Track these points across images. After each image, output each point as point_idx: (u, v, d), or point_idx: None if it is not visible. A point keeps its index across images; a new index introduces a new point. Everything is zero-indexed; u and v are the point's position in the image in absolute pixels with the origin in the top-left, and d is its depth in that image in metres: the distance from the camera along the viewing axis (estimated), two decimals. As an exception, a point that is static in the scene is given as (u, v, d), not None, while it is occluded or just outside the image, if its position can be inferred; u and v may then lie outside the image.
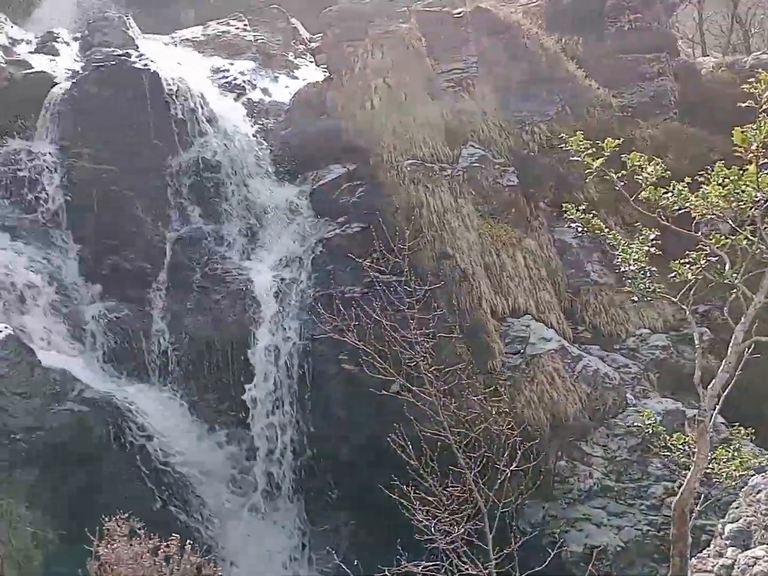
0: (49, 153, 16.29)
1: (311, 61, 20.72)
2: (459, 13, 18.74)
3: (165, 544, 7.09)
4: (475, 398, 7.90)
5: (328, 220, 16.23)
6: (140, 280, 15.54)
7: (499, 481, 6.97)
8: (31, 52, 18.51)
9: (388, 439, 7.29)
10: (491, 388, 8.38)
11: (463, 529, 6.75)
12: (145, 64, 17.01)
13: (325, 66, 19.20)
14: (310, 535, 14.05)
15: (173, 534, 8.06)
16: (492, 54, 18.74)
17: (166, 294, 15.45)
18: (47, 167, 16.18)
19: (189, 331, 15.00)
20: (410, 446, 7.02)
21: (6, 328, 12.12)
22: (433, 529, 6.73)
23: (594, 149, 7.40)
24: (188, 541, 7.41)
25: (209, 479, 13.62)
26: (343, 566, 7.27)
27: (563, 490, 13.80)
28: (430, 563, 6.87)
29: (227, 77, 18.67)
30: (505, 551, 6.99)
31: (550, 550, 7.81)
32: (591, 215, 7.65)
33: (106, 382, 13.86)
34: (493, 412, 7.31)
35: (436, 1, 19.26)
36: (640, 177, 7.18)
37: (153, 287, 15.50)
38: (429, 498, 6.89)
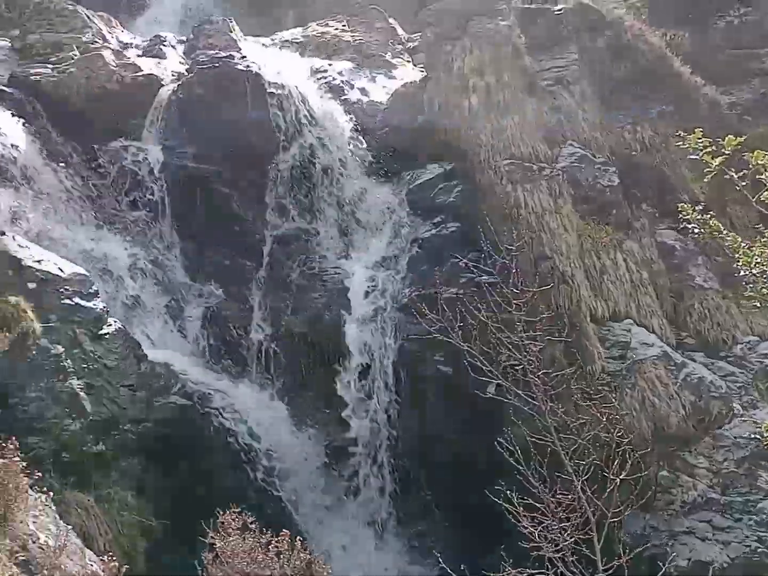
0: (155, 152, 16.80)
1: (409, 61, 20.71)
2: (559, 10, 18.42)
3: (276, 539, 7.19)
4: (584, 404, 7.69)
5: (424, 219, 16.22)
6: (240, 276, 15.86)
7: (609, 490, 6.77)
8: (139, 56, 19.10)
9: (496, 443, 7.18)
10: (599, 395, 8.13)
11: (571, 538, 6.58)
12: (247, 66, 17.34)
13: (423, 65, 19.18)
14: (405, 535, 14.02)
15: (269, 529, 8.15)
16: (593, 51, 18.37)
17: (265, 291, 15.72)
18: (153, 166, 16.68)
19: (287, 328, 15.22)
20: (518, 451, 6.90)
21: (115, 322, 12.54)
22: (538, 536, 6.59)
23: (713, 147, 7.10)
24: (298, 537, 7.49)
25: (304, 476, 13.77)
26: (446, 567, 7.19)
27: (665, 501, 13.35)
28: (536, 571, 6.74)
29: (326, 77, 18.84)
30: (614, 563, 6.78)
31: (657, 563, 7.55)
32: (708, 216, 7.36)
33: (208, 377, 14.18)
34: (603, 419, 7.09)
35: (537, -2, 18.96)
36: (763, 176, 6.85)
37: (252, 284, 15.81)
38: (536, 505, 6.74)
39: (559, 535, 6.54)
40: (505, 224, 15.07)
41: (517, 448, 6.94)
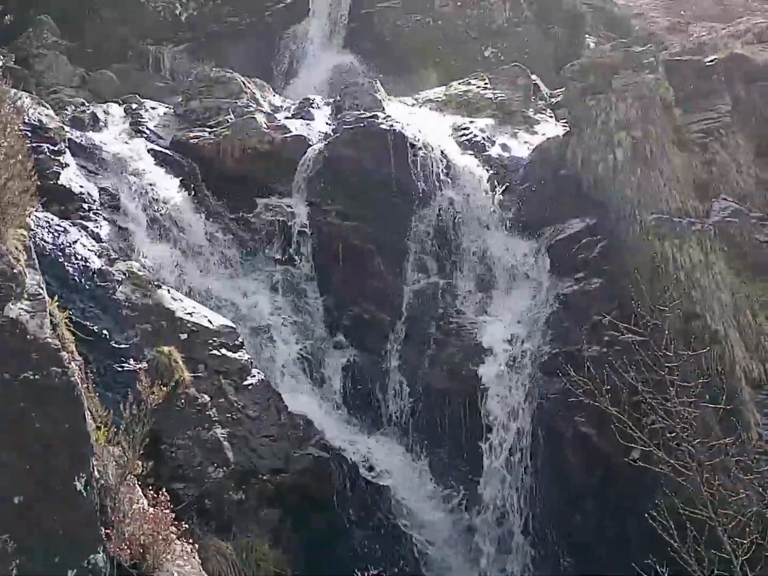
0: (302, 209, 17.40)
1: (551, 117, 20.58)
2: (711, 61, 17.83)
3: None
4: (743, 476, 7.11)
5: (565, 275, 15.86)
6: (379, 330, 16.03)
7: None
8: (288, 118, 20.00)
9: (647, 515, 6.75)
10: (760, 468, 7.50)
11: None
12: (391, 125, 17.77)
13: (566, 120, 18.99)
14: None
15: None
16: (747, 102, 17.65)
17: (403, 345, 15.80)
18: (299, 222, 17.27)
19: (424, 383, 15.20)
20: (672, 525, 6.44)
21: (258, 373, 12.90)
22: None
23: None
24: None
25: (439, 541, 13.53)
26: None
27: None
28: None
29: (467, 134, 18.99)
30: None
31: None
32: None
33: (344, 431, 14.31)
34: (766, 492, 6.51)
35: (686, 49, 18.43)
36: None
37: (390, 338, 15.92)
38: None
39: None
40: (651, 281, 14.53)
41: (669, 521, 6.47)
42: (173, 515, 6.59)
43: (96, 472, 6.00)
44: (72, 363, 6.07)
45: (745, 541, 6.31)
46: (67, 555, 5.76)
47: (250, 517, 11.82)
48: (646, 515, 6.74)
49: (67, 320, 6.85)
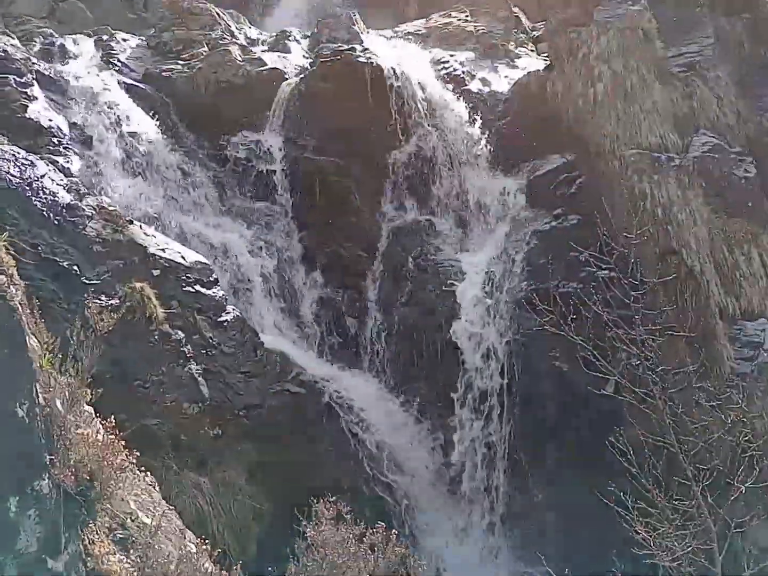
0: (277, 144, 17.11)
1: (532, 50, 20.22)
2: (694, -8, 17.45)
3: (371, 531, 7.10)
4: (707, 404, 7.17)
5: (543, 212, 15.78)
6: (356, 268, 15.94)
7: (732, 498, 6.26)
8: (264, 51, 19.51)
9: (606, 442, 6.81)
10: (724, 395, 7.58)
11: (690, 547, 6.14)
12: (368, 58, 17.37)
13: (547, 54, 18.66)
14: (514, 536, 13.71)
15: (379, 520, 8.09)
16: (731, 35, 17.32)
17: (380, 283, 15.74)
18: (275, 158, 17.01)
19: (400, 321, 15.19)
20: (631, 452, 6.50)
21: (233, 309, 12.83)
22: (653, 543, 6.18)
23: None
24: (393, 531, 7.38)
25: (413, 471, 13.69)
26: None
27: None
28: (650, 581, 6.35)
29: (447, 68, 18.63)
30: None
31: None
32: None
33: (321, 366, 14.33)
34: (728, 421, 6.57)
35: (670, -21, 18.03)
36: None
37: (368, 276, 15.85)
38: (651, 509, 6.33)
39: (676, 543, 6.11)
40: (628, 217, 14.51)
41: (631, 448, 6.53)
42: (123, 442, 6.56)
43: (41, 399, 5.92)
44: (11, 287, 5.90)
45: (705, 467, 6.40)
46: (10, 481, 5.71)
47: (226, 452, 11.88)
48: (603, 441, 6.82)
49: (6, 244, 6.67)
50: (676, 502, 6.31)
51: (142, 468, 7.12)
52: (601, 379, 8.55)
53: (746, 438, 6.73)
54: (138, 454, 6.91)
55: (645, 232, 14.30)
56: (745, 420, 7.01)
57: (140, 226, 12.62)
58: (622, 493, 6.61)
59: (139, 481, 6.89)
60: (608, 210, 14.36)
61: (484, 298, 14.89)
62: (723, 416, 6.75)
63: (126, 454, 6.58)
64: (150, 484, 7.03)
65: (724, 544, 6.35)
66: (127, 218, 12.54)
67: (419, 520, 13.25)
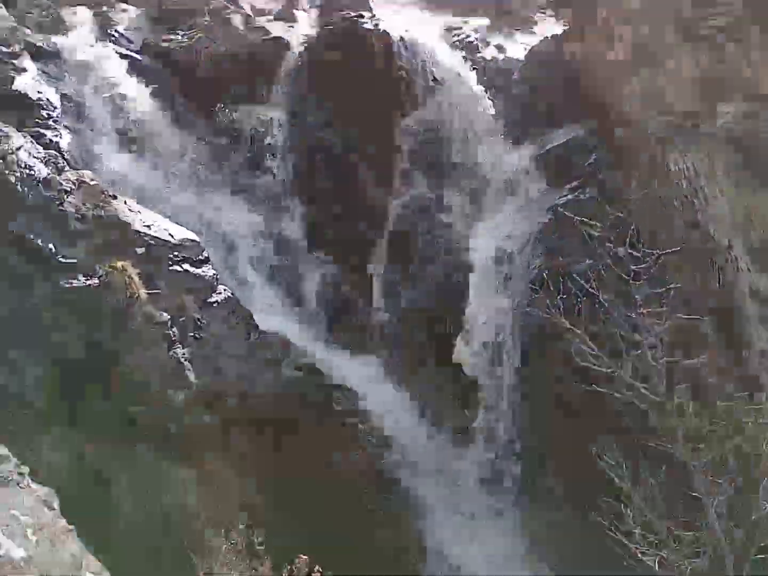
0: (281, 117, 16.33)
1: (551, 15, 19.15)
2: (725, -52, 16.24)
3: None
4: (725, 403, 6.18)
5: (559, 185, 14.80)
6: (361, 246, 15.16)
7: (754, 517, 5.28)
8: (270, 20, 18.69)
9: (596, 453, 5.94)
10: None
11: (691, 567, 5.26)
12: (376, 25, 16.49)
13: (566, 20, 17.60)
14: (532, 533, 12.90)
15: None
16: (764, -5, 16.16)
17: (386, 262, 14.95)
18: (278, 131, 16.24)
19: (407, 300, 14.41)
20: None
21: (225, 290, 12.11)
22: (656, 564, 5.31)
23: None
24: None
25: (422, 460, 12.94)
26: None
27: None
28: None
29: (460, 35, 17.69)
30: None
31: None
32: None
33: (322, 349, 13.59)
34: (749, 423, 5.60)
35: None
36: None
37: (374, 255, 15.05)
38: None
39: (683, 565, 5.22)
40: (651, 190, 13.57)
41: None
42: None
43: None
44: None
45: (720, 479, 5.46)
46: None
47: (216, 443, 11.20)
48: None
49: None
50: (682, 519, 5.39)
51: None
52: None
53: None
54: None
55: (667, 206, 13.45)
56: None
57: (124, 201, 11.90)
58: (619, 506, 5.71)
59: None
60: (631, 182, 13.50)
61: (496, 275, 14.01)
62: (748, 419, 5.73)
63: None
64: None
65: (741, 572, 5.40)
66: (111, 193, 11.83)
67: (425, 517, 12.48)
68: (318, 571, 6.28)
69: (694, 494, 5.61)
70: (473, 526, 12.76)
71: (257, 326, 12.24)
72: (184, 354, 11.13)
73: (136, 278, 10.88)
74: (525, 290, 13.44)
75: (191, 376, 11.07)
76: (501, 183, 15.50)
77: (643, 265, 6.37)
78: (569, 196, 14.35)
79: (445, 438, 13.34)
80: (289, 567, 6.26)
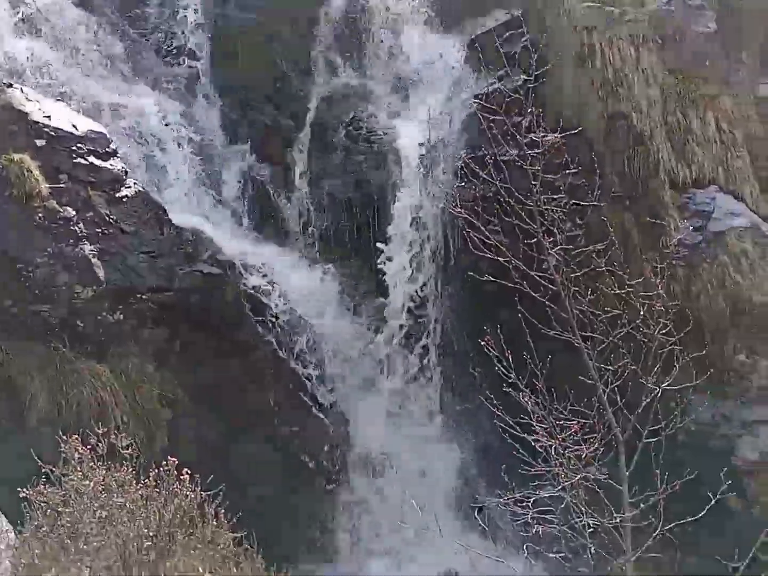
0: (195, 3, 15.47)
1: None
2: None
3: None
4: (615, 291, 6.13)
5: (486, 73, 14.41)
6: (282, 138, 14.69)
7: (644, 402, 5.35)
8: None
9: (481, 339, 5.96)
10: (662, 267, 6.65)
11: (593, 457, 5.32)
12: None
13: None
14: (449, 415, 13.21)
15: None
16: None
17: (307, 154, 14.53)
18: (194, 15, 15.41)
19: (330, 193, 14.10)
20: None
21: (135, 184, 11.61)
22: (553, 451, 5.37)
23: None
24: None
25: (341, 348, 12.98)
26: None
27: (741, 388, 12.02)
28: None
29: None
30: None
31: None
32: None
33: (243, 244, 13.30)
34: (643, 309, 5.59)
35: None
36: None
37: (295, 146, 14.61)
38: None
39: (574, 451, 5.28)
40: (575, 78, 13.34)
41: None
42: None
43: None
44: None
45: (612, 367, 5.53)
46: None
47: (129, 339, 10.99)
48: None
49: None
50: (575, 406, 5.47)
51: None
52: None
53: (665, 331, 5.81)
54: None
55: (590, 95, 13.27)
56: (662, 308, 6.04)
57: (21, 89, 11.16)
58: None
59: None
60: (557, 70, 13.21)
61: (419, 166, 13.75)
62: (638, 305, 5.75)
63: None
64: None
65: (633, 457, 5.52)
66: (4, 81, 11.09)
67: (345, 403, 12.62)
68: (187, 472, 6.23)
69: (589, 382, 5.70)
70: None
71: (171, 220, 11.83)
72: (91, 250, 10.74)
73: (36, 171, 10.33)
74: (452, 180, 13.25)
75: (100, 273, 10.72)
76: (426, 72, 15.05)
77: (537, 151, 6.20)
78: (496, 84, 14.00)
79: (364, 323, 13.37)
80: (156, 471, 6.16)
